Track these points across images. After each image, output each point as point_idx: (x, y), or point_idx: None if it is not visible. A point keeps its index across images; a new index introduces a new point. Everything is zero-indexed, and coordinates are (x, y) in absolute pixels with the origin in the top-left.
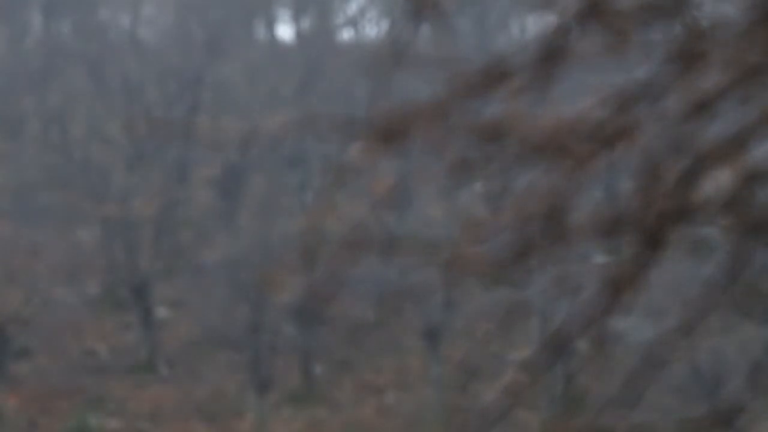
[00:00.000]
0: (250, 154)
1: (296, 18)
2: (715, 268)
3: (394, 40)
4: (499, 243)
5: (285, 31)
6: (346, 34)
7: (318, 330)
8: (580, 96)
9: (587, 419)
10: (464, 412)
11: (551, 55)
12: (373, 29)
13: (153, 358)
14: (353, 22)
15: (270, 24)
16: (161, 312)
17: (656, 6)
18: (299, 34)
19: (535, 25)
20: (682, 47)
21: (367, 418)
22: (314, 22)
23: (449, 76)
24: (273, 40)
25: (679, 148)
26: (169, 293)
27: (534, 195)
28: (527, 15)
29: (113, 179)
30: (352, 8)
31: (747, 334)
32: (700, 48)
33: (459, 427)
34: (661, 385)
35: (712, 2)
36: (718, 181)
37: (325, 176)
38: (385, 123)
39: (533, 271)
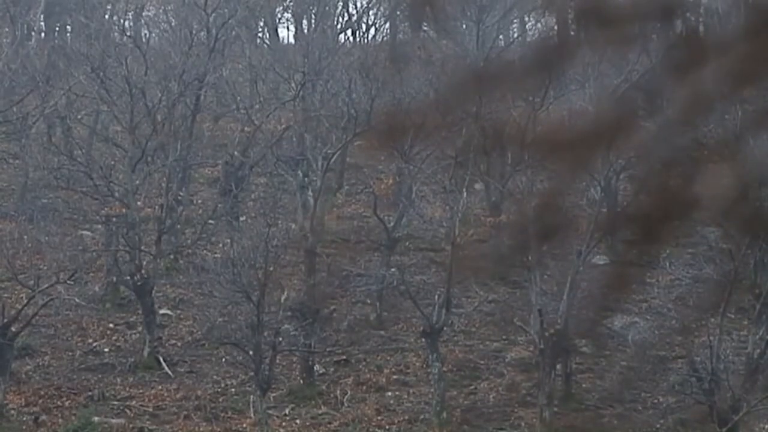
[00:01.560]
0: (250, 154)
1: (297, 19)
2: (715, 268)
3: (394, 41)
4: (499, 242)
5: (286, 32)
6: (347, 35)
7: (319, 329)
8: (579, 96)
9: (586, 417)
10: (464, 411)
11: (551, 55)
12: (374, 30)
13: (155, 356)
14: (354, 24)
15: (271, 25)
16: (163, 311)
17: (656, 8)
18: (300, 35)
19: (535, 25)
20: (681, 48)
21: (367, 416)
22: (315, 23)
23: (449, 76)
24: (274, 41)
25: (679, 148)
26: (171, 293)
27: (533, 195)
28: (527, 15)
29: (116, 179)
30: (353, 9)
31: (746, 334)
32: (699, 49)
33: (459, 425)
34: (660, 384)
35: (712, 5)
36: (718, 181)
37: (325, 176)
38: (386, 123)
39: (533, 271)
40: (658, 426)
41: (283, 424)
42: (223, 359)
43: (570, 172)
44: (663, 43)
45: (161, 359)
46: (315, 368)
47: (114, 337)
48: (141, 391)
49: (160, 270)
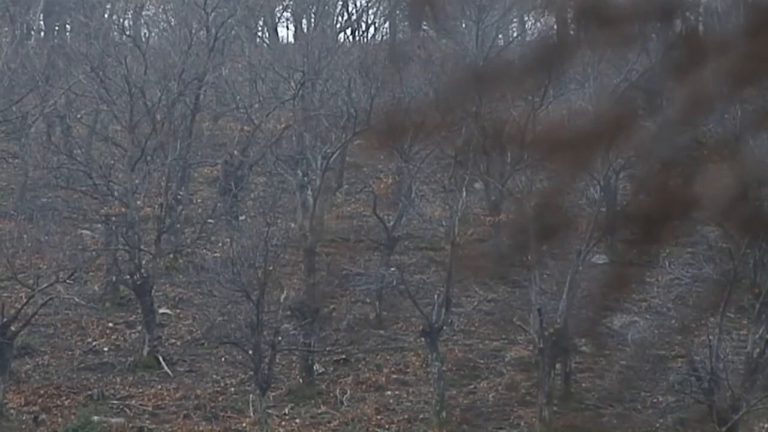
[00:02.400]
0: (250, 153)
1: (297, 18)
2: (715, 267)
3: (394, 40)
4: (498, 242)
5: (286, 32)
6: (347, 34)
7: (318, 328)
8: (579, 96)
9: (586, 417)
10: (464, 410)
11: (551, 55)
12: (374, 30)
13: (155, 356)
14: (353, 24)
15: (271, 24)
16: (163, 310)
17: (656, 8)
18: (299, 34)
19: (534, 24)
20: (681, 48)
21: (367, 416)
22: (315, 23)
23: (449, 75)
24: (274, 40)
25: (679, 148)
26: (170, 292)
27: (533, 194)
28: (527, 14)
29: (116, 178)
30: (353, 9)
31: (746, 333)
32: (699, 49)
33: (458, 424)
34: (660, 384)
35: (712, 5)
36: (718, 181)
37: (324, 175)
38: (386, 122)
39: (532, 270)
40: (657, 425)
41: (283, 423)
42: (223, 358)
43: (570, 171)
44: (663, 43)
45: (161, 358)
46: (314, 367)
47: (113, 337)
48: (140, 390)
49: (160, 269)
